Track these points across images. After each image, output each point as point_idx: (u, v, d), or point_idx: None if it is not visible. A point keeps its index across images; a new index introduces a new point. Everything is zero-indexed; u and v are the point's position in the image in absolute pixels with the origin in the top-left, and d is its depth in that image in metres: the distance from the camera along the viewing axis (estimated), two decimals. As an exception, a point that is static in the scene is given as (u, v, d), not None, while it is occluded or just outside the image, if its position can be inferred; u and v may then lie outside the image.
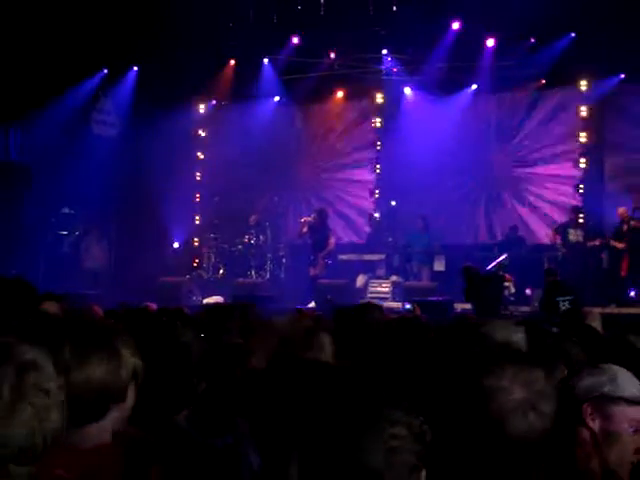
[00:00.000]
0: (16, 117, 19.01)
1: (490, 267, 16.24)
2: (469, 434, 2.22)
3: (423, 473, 1.89)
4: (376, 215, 20.30)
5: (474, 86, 19.35)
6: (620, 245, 16.40)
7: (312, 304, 16.00)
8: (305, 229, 17.58)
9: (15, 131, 19.53)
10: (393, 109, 20.31)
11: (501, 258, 16.82)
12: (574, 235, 17.27)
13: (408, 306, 16.10)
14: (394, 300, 17.31)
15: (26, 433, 1.97)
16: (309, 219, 17.49)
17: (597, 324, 7.75)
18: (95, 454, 2.52)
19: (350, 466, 1.78)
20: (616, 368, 2.73)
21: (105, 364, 2.61)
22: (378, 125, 20.62)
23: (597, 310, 9.36)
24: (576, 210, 17.68)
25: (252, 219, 19.41)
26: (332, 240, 17.71)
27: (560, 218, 18.66)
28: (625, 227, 16.45)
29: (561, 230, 17.52)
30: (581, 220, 17.55)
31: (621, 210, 16.68)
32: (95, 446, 2.55)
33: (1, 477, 1.96)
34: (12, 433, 1.95)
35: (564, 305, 12.67)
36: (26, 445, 1.96)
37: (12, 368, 2.01)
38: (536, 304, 15.61)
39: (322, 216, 17.61)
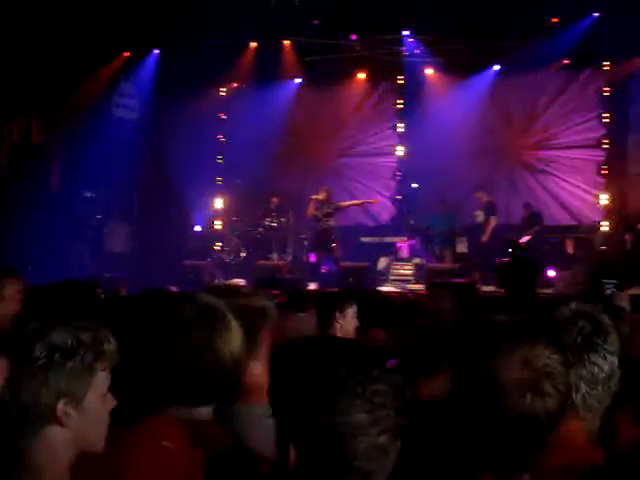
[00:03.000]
0: (37, 101, 19.06)
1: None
2: (468, 411, 2.18)
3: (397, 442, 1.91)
4: (398, 197, 20.26)
5: (496, 67, 19.25)
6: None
7: (313, 285, 15.99)
8: (313, 206, 17.46)
9: (37, 115, 19.58)
10: (415, 91, 20.20)
11: (525, 239, 16.79)
12: (475, 217, 17.36)
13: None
14: (417, 282, 17.30)
15: None
16: (318, 197, 17.42)
17: (626, 305, 7.72)
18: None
19: (333, 424, 1.81)
20: None
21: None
22: (400, 107, 20.54)
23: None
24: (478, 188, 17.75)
25: (273, 201, 19.40)
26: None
27: (582, 200, 18.63)
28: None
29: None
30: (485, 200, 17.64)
31: None
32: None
33: None
34: None
35: (609, 288, 12.54)
36: None
37: None
38: (560, 285, 15.55)
39: (329, 192, 17.56)
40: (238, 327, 2.61)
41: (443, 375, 3.71)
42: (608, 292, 12.17)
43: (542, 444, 2.14)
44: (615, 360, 2.50)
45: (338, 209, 17.65)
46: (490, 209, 17.55)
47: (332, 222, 17.47)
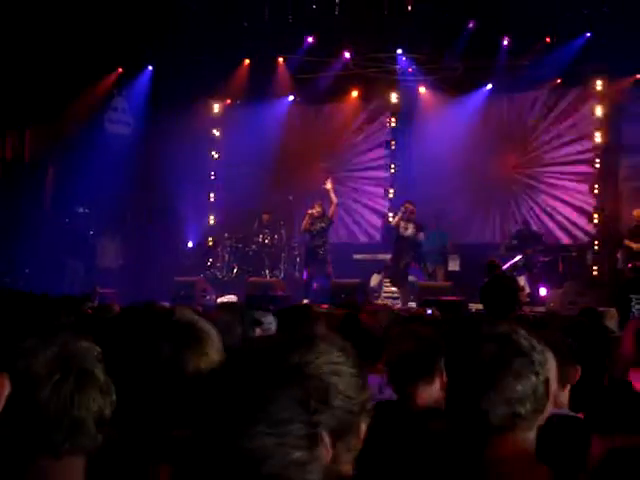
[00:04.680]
0: (31, 117, 19.07)
1: (505, 268, 16.18)
2: None
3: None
4: (390, 215, 20.27)
5: (489, 86, 19.30)
6: (636, 246, 16.27)
7: (305, 302, 15.92)
8: (308, 221, 17.47)
9: (30, 131, 19.59)
10: (408, 109, 20.29)
11: (516, 259, 16.77)
12: (404, 228, 17.26)
13: (429, 311, 15.85)
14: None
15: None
16: (313, 211, 17.45)
17: (613, 323, 7.75)
18: None
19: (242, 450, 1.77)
20: None
21: None
22: (393, 125, 20.58)
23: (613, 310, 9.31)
24: (406, 202, 17.65)
25: (264, 218, 19.42)
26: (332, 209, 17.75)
27: (574, 218, 18.69)
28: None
29: (394, 223, 17.55)
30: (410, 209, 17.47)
31: (636, 212, 16.58)
32: None
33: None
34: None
35: (638, 303, 12.24)
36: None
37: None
38: (551, 304, 15.57)
39: (322, 207, 17.57)
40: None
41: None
42: (637, 307, 11.95)
43: None
44: (535, 379, 2.48)
45: (331, 221, 17.63)
46: (421, 226, 17.47)
47: (325, 238, 17.48)
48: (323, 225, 17.31)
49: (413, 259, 17.48)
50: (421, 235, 17.20)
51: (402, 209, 17.44)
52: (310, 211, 17.42)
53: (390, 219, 17.86)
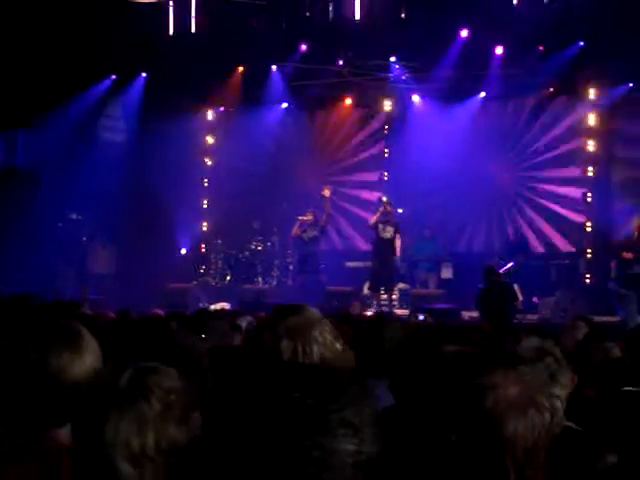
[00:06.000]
0: (23, 122, 19.05)
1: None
2: (462, 435, 2.09)
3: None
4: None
5: (482, 94, 19.33)
6: (628, 255, 16.24)
7: None
8: (298, 227, 17.49)
9: (22, 136, 19.56)
10: (401, 117, 20.31)
11: (508, 266, 16.78)
12: (383, 231, 17.24)
13: (422, 317, 15.82)
14: (401, 307, 17.28)
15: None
16: (305, 218, 17.47)
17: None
18: None
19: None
20: None
21: None
22: (386, 132, 20.60)
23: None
24: (385, 203, 17.61)
25: (255, 224, 19.44)
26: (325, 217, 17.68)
27: (567, 227, 18.69)
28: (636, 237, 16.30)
29: (371, 223, 17.55)
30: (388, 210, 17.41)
31: (637, 221, 16.50)
32: None
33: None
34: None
35: None
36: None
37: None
38: (543, 312, 15.59)
39: (315, 216, 17.57)
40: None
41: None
42: None
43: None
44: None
45: (324, 229, 17.67)
46: (398, 226, 17.47)
47: (318, 246, 17.50)
48: (315, 233, 17.34)
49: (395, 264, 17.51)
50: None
51: (380, 209, 17.48)
52: (301, 217, 17.45)
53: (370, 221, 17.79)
